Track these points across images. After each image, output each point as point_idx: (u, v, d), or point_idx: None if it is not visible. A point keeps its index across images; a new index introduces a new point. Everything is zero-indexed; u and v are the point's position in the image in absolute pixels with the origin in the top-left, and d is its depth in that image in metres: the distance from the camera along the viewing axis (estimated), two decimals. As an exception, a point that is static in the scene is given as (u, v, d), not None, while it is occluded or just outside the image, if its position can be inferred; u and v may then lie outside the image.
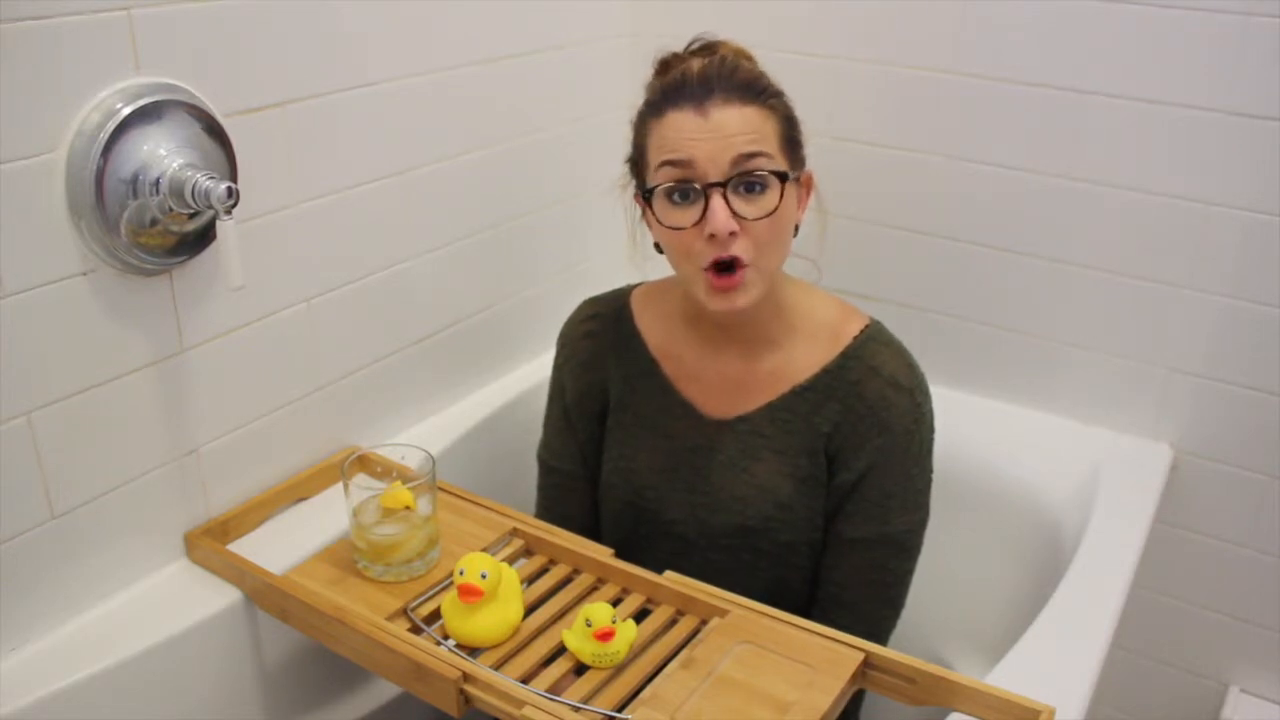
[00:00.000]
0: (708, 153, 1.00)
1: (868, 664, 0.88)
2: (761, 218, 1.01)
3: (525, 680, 0.88)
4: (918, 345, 1.15)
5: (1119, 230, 1.37)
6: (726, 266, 1.02)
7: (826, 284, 1.21)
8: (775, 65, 1.10)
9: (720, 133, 1.00)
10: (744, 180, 1.01)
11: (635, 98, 1.11)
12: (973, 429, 1.44)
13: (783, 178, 1.02)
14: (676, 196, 1.03)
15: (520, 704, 0.84)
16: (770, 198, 1.02)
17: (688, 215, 1.02)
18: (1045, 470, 1.40)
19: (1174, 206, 1.32)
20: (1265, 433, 1.36)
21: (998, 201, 1.43)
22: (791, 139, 1.06)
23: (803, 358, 1.12)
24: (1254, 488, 1.39)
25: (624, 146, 1.12)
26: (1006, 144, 1.40)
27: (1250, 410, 1.36)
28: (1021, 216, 1.42)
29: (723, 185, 1.00)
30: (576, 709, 0.84)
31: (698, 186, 1.01)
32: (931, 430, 1.12)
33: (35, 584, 1.00)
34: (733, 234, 1.00)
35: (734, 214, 1.00)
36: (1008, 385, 1.51)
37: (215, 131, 1.03)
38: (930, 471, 1.13)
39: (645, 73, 1.10)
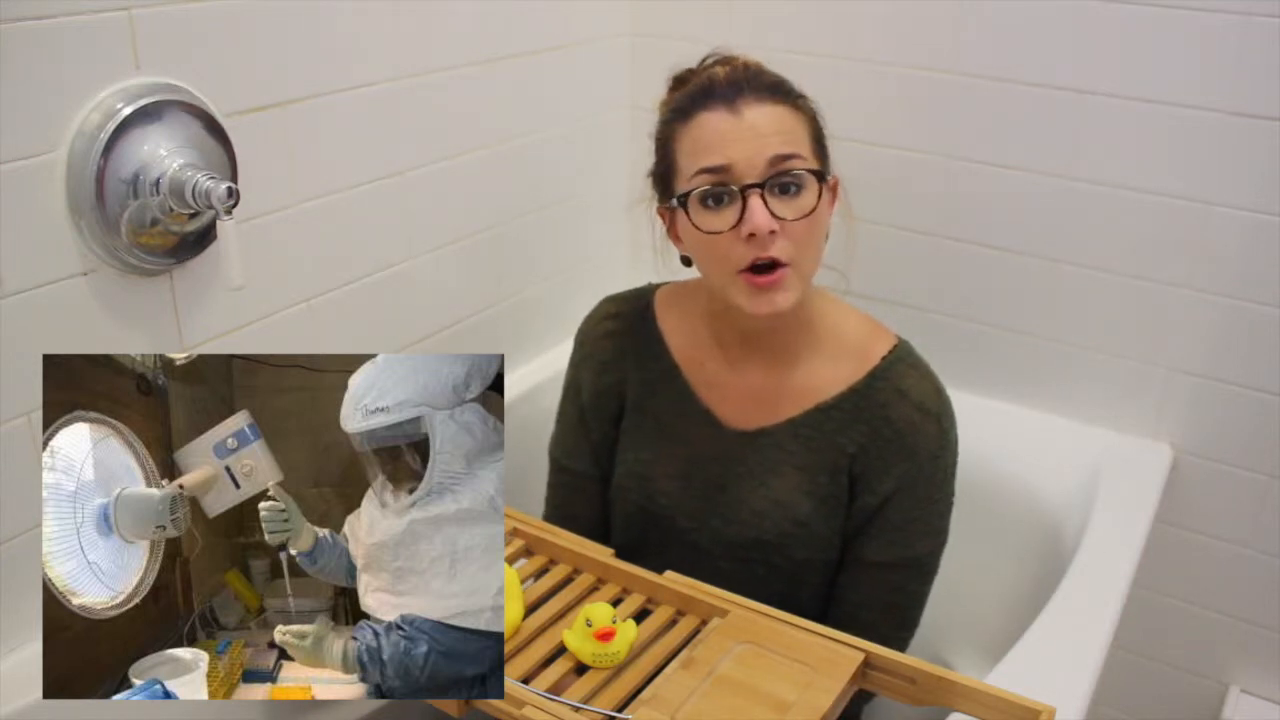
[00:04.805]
0: (744, 154, 0.98)
1: (868, 664, 0.87)
2: (799, 218, 1.00)
3: (525, 680, 0.88)
4: (917, 345, 1.15)
5: (1119, 230, 1.37)
6: (765, 267, 1.00)
7: (823, 282, 1.20)
8: (775, 65, 1.10)
9: (754, 131, 0.99)
10: (780, 180, 0.99)
11: (635, 98, 1.11)
12: (973, 429, 1.43)
13: (819, 177, 1.01)
14: (711, 201, 1.00)
15: (520, 704, 0.84)
16: (807, 198, 1.00)
17: (724, 219, 1.00)
18: (1045, 470, 1.40)
19: (1174, 206, 1.32)
20: (1265, 433, 1.36)
21: (998, 201, 1.43)
22: (820, 141, 1.05)
23: (829, 374, 1.10)
24: (1254, 488, 1.39)
25: (624, 147, 1.12)
26: (1006, 144, 1.40)
27: (1250, 410, 1.36)
28: (1021, 216, 1.42)
29: (760, 186, 0.99)
30: (576, 709, 0.84)
31: (734, 189, 0.99)
32: (956, 455, 1.11)
33: (35, 584, 0.99)
34: (772, 233, 0.98)
35: (772, 214, 0.98)
36: (1008, 385, 1.51)
37: (215, 131, 1.03)
38: (952, 495, 1.12)
39: (645, 73, 1.10)
